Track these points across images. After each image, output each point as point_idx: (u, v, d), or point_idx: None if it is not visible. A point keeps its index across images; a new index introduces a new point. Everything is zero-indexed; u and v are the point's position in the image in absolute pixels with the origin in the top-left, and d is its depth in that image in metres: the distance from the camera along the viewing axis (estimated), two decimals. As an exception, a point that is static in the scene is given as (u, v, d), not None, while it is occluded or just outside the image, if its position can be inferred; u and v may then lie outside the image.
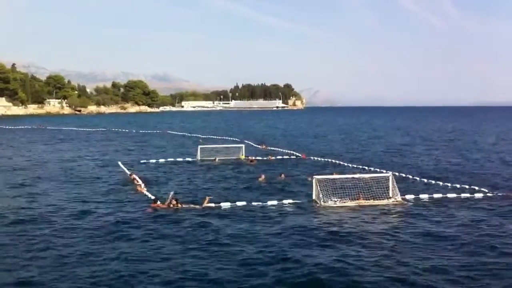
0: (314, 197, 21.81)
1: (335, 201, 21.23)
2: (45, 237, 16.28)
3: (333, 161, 36.45)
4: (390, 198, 21.87)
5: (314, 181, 21.98)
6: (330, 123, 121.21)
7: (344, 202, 21.27)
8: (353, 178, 23.58)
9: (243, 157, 38.46)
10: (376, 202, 21.48)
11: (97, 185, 26.82)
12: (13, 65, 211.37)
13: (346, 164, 34.86)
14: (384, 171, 25.98)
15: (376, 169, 30.58)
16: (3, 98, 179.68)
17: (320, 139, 62.83)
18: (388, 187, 22.18)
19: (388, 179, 22.47)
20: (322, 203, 21.03)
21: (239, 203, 21.23)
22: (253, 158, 38.11)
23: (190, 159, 37.94)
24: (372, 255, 14.27)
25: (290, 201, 21.77)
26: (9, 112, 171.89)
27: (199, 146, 39.53)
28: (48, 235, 16.61)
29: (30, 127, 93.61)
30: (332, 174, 26.06)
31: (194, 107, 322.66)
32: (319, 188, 21.42)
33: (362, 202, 21.50)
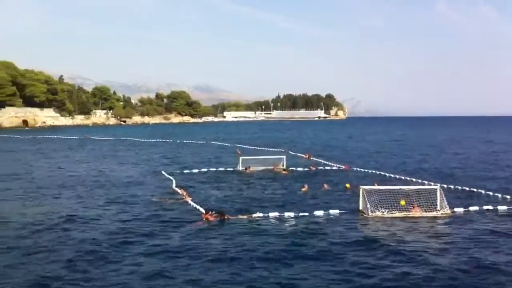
0: (361, 207, 21.43)
1: (383, 212, 20.77)
2: (89, 246, 16.47)
3: (377, 172, 35.69)
4: (438, 210, 21.27)
5: (361, 191, 21.59)
6: (373, 133, 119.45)
7: (392, 213, 20.81)
8: (400, 189, 22.98)
9: (280, 167, 38.11)
10: (425, 214, 20.98)
11: (142, 195, 27.01)
12: (61, 76, 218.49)
13: (390, 175, 34.12)
14: (432, 183, 25.36)
15: (423, 180, 29.86)
16: (51, 109, 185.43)
17: (363, 150, 61.80)
18: (436, 199, 21.60)
19: (436, 190, 21.90)
20: (370, 213, 20.64)
21: (286, 214, 20.98)
22: (285, 168, 37.87)
23: (232, 169, 37.88)
24: (426, 269, 13.84)
25: (337, 211, 21.40)
26: (57, 123, 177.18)
27: (241, 157, 39.45)
28: (87, 242, 16.77)
29: (77, 137, 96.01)
30: (374, 184, 25.52)
31: (236, 117, 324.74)
32: (366, 199, 21.05)
33: (410, 213, 20.99)
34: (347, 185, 28.07)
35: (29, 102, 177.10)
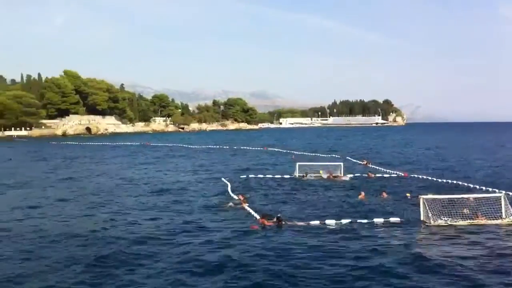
0: (422, 217, 20.73)
1: (446, 220, 20.14)
2: (143, 248, 16.81)
3: (436, 179, 34.63)
4: (503, 218, 20.44)
5: (421, 201, 20.98)
6: (432, 139, 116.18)
7: (455, 221, 20.13)
8: (462, 197, 22.22)
9: (337, 174, 37.64)
10: (489, 222, 20.20)
11: (198, 200, 27.37)
12: (122, 85, 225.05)
13: (451, 181, 33.08)
14: (497, 190, 24.40)
15: (487, 188, 28.73)
16: (113, 117, 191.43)
17: (422, 156, 60.21)
18: (500, 207, 20.78)
19: (500, 198, 21.05)
20: (432, 222, 20.03)
21: (344, 221, 20.70)
22: (342, 174, 37.42)
23: (288, 176, 37.77)
24: (496, 278, 13.44)
25: (397, 219, 20.88)
26: (118, 130, 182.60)
27: (297, 164, 39.27)
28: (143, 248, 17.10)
29: (137, 144, 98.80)
30: (434, 193, 24.80)
31: (292, 123, 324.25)
32: (427, 207, 20.44)
33: (474, 221, 20.29)
34: (408, 194, 27.35)
35: (92, 110, 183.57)
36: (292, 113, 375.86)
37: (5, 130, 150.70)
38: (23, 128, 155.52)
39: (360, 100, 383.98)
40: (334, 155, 57.04)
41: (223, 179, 36.07)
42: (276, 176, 37.76)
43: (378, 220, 20.73)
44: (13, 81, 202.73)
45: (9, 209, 25.40)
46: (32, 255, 16.38)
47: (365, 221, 20.73)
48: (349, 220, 20.76)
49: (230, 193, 29.25)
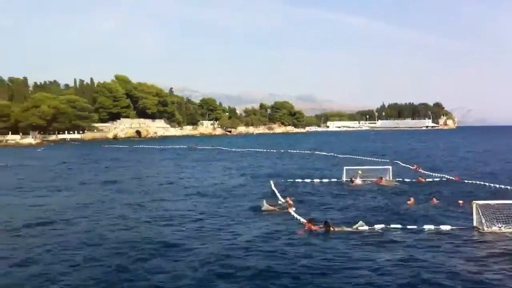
0: (475, 223, 20.02)
1: (500, 227, 19.42)
2: (185, 250, 16.95)
3: (489, 184, 33.45)
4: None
5: (474, 206, 20.27)
6: (485, 142, 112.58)
7: (510, 228, 19.38)
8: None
9: (386, 178, 36.95)
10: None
11: (245, 203, 27.42)
12: (171, 89, 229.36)
13: (504, 186, 31.84)
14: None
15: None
16: (162, 120, 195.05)
17: (474, 160, 58.39)
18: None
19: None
20: (486, 228, 19.34)
21: (393, 226, 20.30)
22: (391, 179, 36.71)
23: (336, 180, 37.40)
24: None
25: (448, 227, 20.18)
26: (167, 133, 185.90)
27: (345, 167, 38.81)
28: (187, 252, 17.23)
29: (185, 147, 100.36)
30: (487, 198, 23.94)
31: (339, 127, 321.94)
32: (480, 213, 19.74)
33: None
34: (460, 201, 26.48)
35: (142, 113, 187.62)
36: (340, 116, 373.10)
37: (59, 133, 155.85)
38: (76, 132, 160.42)
39: (410, 103, 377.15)
40: (382, 159, 56.08)
41: (270, 181, 36.05)
42: (324, 180, 37.43)
43: (429, 227, 20.12)
44: (66, 86, 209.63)
45: (60, 209, 26.25)
46: (81, 255, 16.82)
47: (415, 227, 20.20)
48: (399, 226, 20.30)
49: (278, 196, 29.18)
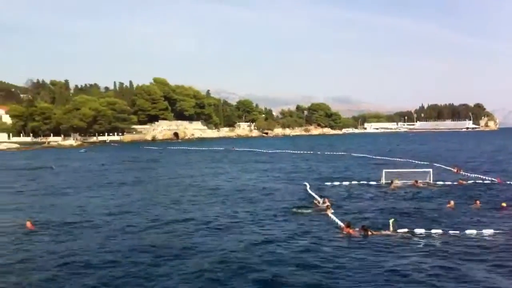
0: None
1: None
2: (222, 252, 17.05)
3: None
4: None
5: None
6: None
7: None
8: None
9: (426, 181, 36.24)
10: None
11: (280, 206, 27.30)
12: (208, 91, 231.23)
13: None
14: None
15: None
16: (199, 122, 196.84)
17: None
18: None
19: None
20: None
21: (434, 231, 19.81)
22: (431, 182, 36.03)
23: (374, 183, 36.95)
24: None
25: (491, 231, 19.59)
26: (204, 135, 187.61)
27: (384, 170, 38.29)
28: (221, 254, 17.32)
29: (222, 148, 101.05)
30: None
31: (377, 128, 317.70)
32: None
33: None
34: (503, 204, 25.80)
35: (180, 115, 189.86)
36: (377, 118, 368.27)
37: (99, 135, 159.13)
38: (115, 134, 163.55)
39: (449, 104, 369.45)
40: (422, 161, 55.08)
41: (306, 184, 35.90)
42: (362, 183, 37.05)
43: (470, 232, 19.61)
44: (106, 88, 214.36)
45: (99, 210, 26.94)
46: (116, 253, 17.16)
47: (456, 232, 19.69)
48: (440, 231, 19.84)
49: (316, 197, 29.04)
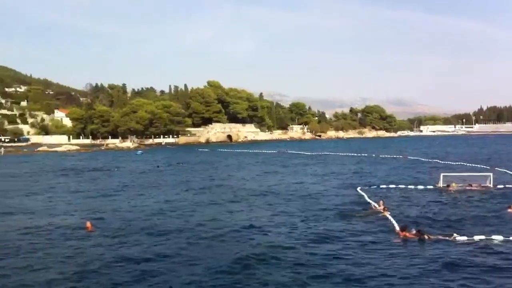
0: None
1: None
2: (273, 251, 17.07)
3: None
4: None
5: None
6: None
7: None
8: None
9: (486, 185, 35.00)
10: None
11: (334, 208, 27.16)
12: (261, 94, 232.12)
13: None
14: None
15: None
16: (252, 125, 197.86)
17: None
18: None
19: None
20: None
21: (494, 237, 19.12)
22: (484, 185, 34.74)
23: (431, 186, 36.04)
24: None
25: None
26: (257, 137, 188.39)
27: (442, 174, 37.28)
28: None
29: (274, 151, 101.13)
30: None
31: (433, 131, 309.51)
32: None
33: None
34: None
35: (233, 118, 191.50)
36: (434, 120, 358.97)
37: (154, 137, 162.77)
38: (170, 136, 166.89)
39: (510, 106, 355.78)
40: (482, 165, 53.33)
41: (360, 187, 35.47)
42: (418, 187, 36.17)
43: (533, 238, 18.83)
44: (162, 92, 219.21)
45: (156, 209, 27.70)
46: (179, 254, 17.49)
47: (518, 239, 18.91)
48: (500, 238, 19.07)
49: (369, 201, 28.65)
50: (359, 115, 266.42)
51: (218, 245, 18.92)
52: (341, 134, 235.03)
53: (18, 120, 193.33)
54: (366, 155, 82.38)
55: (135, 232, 21.76)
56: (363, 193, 32.50)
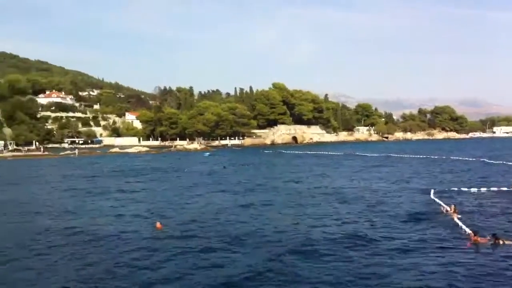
0: None
1: None
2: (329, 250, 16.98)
3: None
4: None
5: None
6: None
7: None
8: None
9: None
10: None
11: (403, 210, 26.61)
12: (326, 95, 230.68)
13: None
14: None
15: None
16: (318, 126, 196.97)
17: None
18: None
19: None
20: None
21: None
22: None
23: (505, 189, 34.60)
24: None
25: None
26: (322, 139, 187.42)
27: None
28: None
29: (340, 153, 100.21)
30: None
31: (507, 132, 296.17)
32: None
33: None
34: None
35: (298, 120, 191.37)
36: (508, 121, 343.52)
37: (221, 139, 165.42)
38: (236, 138, 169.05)
39: None
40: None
41: (430, 189, 34.55)
42: (492, 189, 34.86)
43: None
44: (227, 94, 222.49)
45: (223, 209, 28.13)
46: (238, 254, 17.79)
47: None
48: None
49: (441, 203, 27.88)
50: (428, 116, 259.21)
51: (288, 238, 19.06)
52: (409, 135, 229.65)
53: (91, 123, 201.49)
54: (436, 157, 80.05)
55: (202, 231, 22.25)
56: (433, 197, 31.64)
